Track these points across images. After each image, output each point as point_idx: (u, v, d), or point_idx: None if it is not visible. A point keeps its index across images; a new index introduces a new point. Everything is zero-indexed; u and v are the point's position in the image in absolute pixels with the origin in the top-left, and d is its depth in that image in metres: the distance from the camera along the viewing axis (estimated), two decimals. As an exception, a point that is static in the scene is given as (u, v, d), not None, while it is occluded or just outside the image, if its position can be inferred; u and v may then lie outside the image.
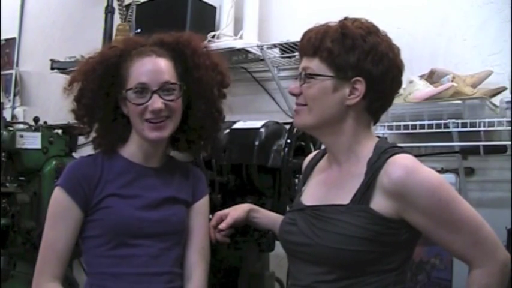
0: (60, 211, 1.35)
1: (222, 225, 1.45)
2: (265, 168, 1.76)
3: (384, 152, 1.19)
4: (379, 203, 1.16)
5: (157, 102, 1.32)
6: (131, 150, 1.42)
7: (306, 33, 1.27)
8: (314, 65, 1.22)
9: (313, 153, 1.48)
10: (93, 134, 1.45)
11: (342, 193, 1.20)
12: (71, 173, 1.38)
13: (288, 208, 1.58)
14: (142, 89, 1.33)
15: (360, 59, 1.20)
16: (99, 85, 1.38)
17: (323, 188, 1.29)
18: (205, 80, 1.43)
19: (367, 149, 1.22)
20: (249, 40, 2.53)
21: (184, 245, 1.43)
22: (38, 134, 2.33)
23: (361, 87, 1.20)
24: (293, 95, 1.26)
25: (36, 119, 2.43)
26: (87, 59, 1.42)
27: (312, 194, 1.30)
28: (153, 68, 1.35)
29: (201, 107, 1.44)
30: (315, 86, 1.22)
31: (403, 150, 1.21)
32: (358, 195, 1.18)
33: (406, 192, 1.14)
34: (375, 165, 1.18)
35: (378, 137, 1.31)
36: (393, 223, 1.16)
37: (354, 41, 1.20)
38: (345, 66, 1.20)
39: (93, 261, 1.36)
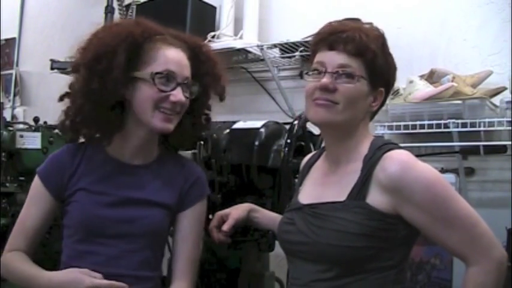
0: (34, 195, 1.40)
1: (225, 227, 1.44)
2: (265, 168, 1.76)
3: (379, 148, 1.20)
4: (375, 198, 1.16)
5: (180, 95, 1.31)
6: (117, 144, 1.38)
7: (335, 27, 1.24)
8: (356, 65, 1.21)
9: (312, 153, 1.48)
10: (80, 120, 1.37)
11: (339, 190, 1.21)
12: (49, 161, 1.41)
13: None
14: (169, 77, 1.31)
15: (391, 72, 1.27)
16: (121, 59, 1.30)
17: (320, 186, 1.29)
18: (210, 88, 1.43)
19: (364, 147, 1.23)
20: (249, 40, 2.53)
21: (172, 252, 1.41)
22: (38, 134, 2.33)
23: (380, 97, 1.26)
24: (326, 89, 1.20)
25: (36, 119, 2.43)
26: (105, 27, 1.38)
27: (309, 193, 1.30)
28: (180, 60, 1.34)
29: (196, 111, 1.44)
30: (355, 87, 1.20)
31: (398, 146, 1.22)
32: (354, 192, 1.18)
33: (401, 187, 1.14)
34: (371, 161, 1.19)
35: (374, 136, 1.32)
36: (390, 218, 1.16)
37: (388, 52, 1.26)
38: (380, 74, 1.23)
39: (63, 250, 1.37)
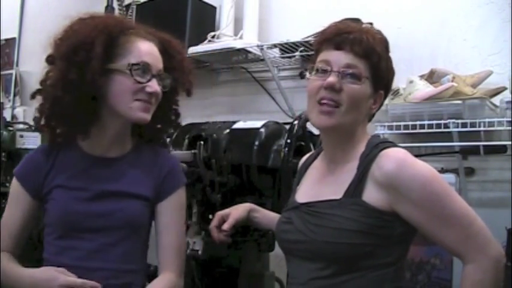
0: (13, 195, 1.42)
1: (225, 226, 1.44)
2: (265, 168, 1.76)
3: (375, 146, 1.21)
4: (371, 195, 1.16)
5: (156, 86, 1.34)
6: (91, 138, 1.39)
7: (341, 28, 1.24)
8: (362, 66, 1.21)
9: (309, 153, 1.49)
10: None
11: (336, 189, 1.21)
12: (25, 161, 1.44)
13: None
14: (145, 69, 1.33)
15: (390, 76, 1.27)
16: (99, 51, 1.31)
17: (317, 185, 1.29)
18: (179, 83, 1.45)
19: (361, 146, 1.24)
20: (249, 40, 2.53)
21: (157, 242, 1.42)
22: (38, 134, 2.33)
23: (380, 99, 1.27)
24: (332, 89, 1.20)
25: (36, 119, 2.43)
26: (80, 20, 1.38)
27: (306, 192, 1.31)
28: (154, 53, 1.37)
29: (165, 106, 1.46)
30: (360, 88, 1.21)
31: (394, 144, 1.23)
32: (351, 189, 1.18)
33: (398, 184, 1.14)
34: (367, 159, 1.19)
35: None
36: (386, 216, 1.16)
37: (389, 56, 1.26)
38: (382, 77, 1.24)
39: (45, 247, 1.38)
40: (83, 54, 1.29)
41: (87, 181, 1.36)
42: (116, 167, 1.39)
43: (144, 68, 1.32)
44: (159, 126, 1.48)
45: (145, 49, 1.34)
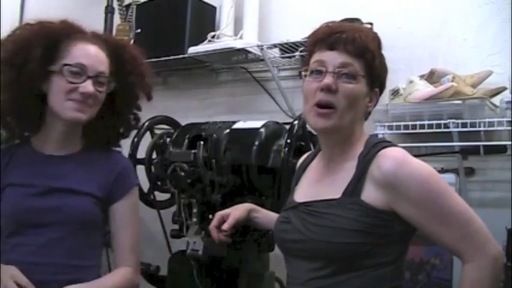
0: None
1: (225, 226, 1.45)
2: (265, 168, 1.76)
3: (374, 146, 1.21)
4: (370, 195, 1.16)
5: (90, 87, 1.37)
6: (40, 137, 1.45)
7: (333, 28, 1.24)
8: (357, 64, 1.21)
9: (307, 153, 1.49)
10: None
11: (334, 188, 1.21)
12: None
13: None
14: (79, 70, 1.37)
15: (384, 73, 1.28)
16: (39, 54, 1.37)
17: (315, 184, 1.30)
18: (137, 87, 1.49)
19: (359, 146, 1.24)
20: (249, 40, 2.52)
21: (113, 243, 1.47)
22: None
23: (375, 97, 1.27)
24: (329, 90, 1.19)
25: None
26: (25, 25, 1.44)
27: (304, 191, 1.31)
28: (95, 55, 1.40)
29: (123, 110, 1.51)
30: (356, 87, 1.21)
31: (393, 144, 1.23)
32: (349, 188, 1.19)
33: (396, 183, 1.14)
34: (366, 158, 1.19)
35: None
36: (385, 215, 1.16)
37: (381, 53, 1.27)
38: (377, 74, 1.24)
39: (1, 247, 1.40)
40: (21, 58, 1.36)
41: (36, 178, 1.40)
42: (63, 165, 1.44)
43: (78, 68, 1.36)
44: (112, 129, 1.54)
45: (84, 51, 1.39)
